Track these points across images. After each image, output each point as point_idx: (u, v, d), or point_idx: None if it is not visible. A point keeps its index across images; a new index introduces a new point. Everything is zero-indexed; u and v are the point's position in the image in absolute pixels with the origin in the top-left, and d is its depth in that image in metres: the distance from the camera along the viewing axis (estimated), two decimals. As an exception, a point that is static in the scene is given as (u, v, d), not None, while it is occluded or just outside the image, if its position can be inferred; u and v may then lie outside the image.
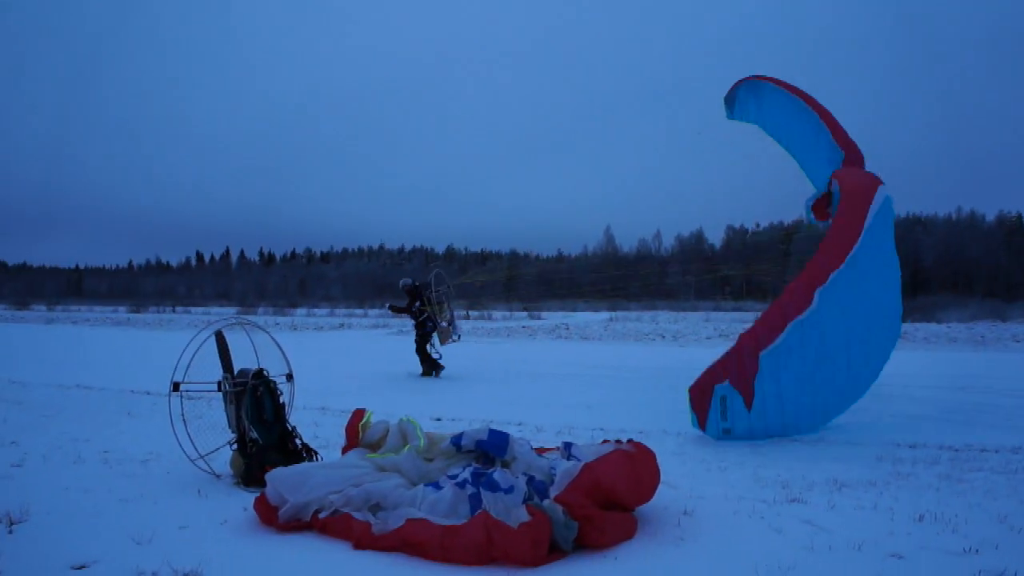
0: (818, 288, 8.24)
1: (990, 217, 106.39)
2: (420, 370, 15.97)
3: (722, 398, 8.06)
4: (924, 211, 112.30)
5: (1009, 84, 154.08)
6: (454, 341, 16.36)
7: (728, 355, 8.38)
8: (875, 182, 9.34)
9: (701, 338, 28.94)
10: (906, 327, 33.07)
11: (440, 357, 15.96)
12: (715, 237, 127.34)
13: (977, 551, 4.48)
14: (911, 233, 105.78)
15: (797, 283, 8.49)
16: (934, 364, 18.05)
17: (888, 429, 9.07)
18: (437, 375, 15.62)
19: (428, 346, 16.01)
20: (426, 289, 16.08)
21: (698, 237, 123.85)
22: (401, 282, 16.68)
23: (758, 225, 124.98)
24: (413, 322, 16.23)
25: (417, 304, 15.97)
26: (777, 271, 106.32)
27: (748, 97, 12.57)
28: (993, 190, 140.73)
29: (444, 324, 16.12)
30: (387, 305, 17.82)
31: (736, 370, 8.17)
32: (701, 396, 8.24)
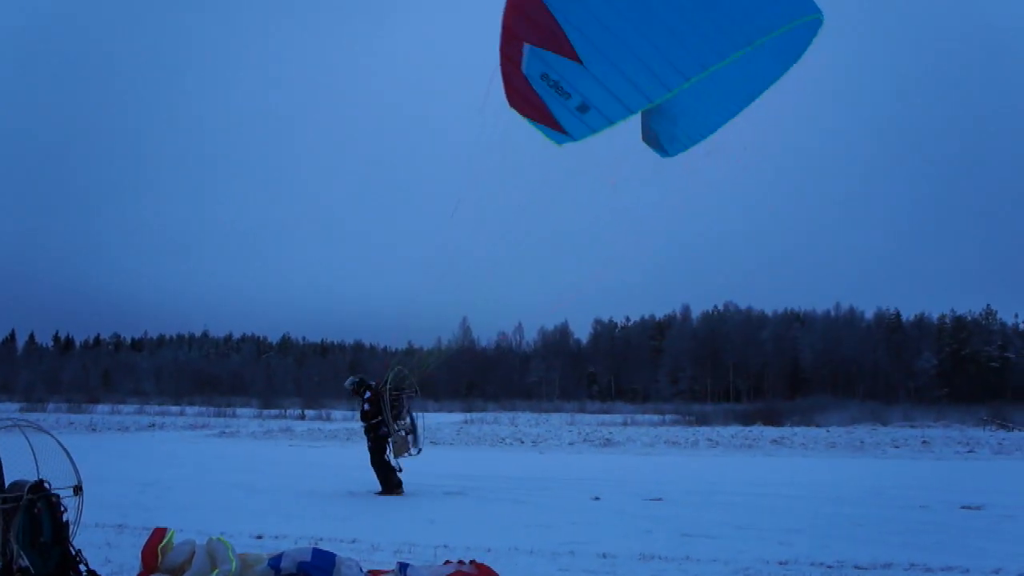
0: None
1: (868, 314, 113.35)
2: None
3: None
4: (802, 307, 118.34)
5: (887, 177, 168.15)
6: (411, 455, 14.94)
7: None
8: None
9: (563, 443, 29.37)
10: (784, 432, 34.80)
11: (400, 470, 14.66)
12: (581, 332, 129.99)
13: None
14: (789, 330, 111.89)
15: None
16: (810, 472, 19.03)
17: (757, 544, 9.40)
18: (399, 492, 14.31)
19: (385, 456, 14.67)
20: (383, 389, 14.75)
21: (563, 331, 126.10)
22: (346, 383, 15.68)
23: (628, 319, 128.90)
24: (363, 426, 15.06)
25: (367, 404, 14.85)
26: (648, 369, 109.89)
27: None
28: (870, 286, 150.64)
29: (402, 433, 14.79)
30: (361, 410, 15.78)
31: None
32: None
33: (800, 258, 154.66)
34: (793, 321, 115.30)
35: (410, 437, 15.03)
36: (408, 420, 15.17)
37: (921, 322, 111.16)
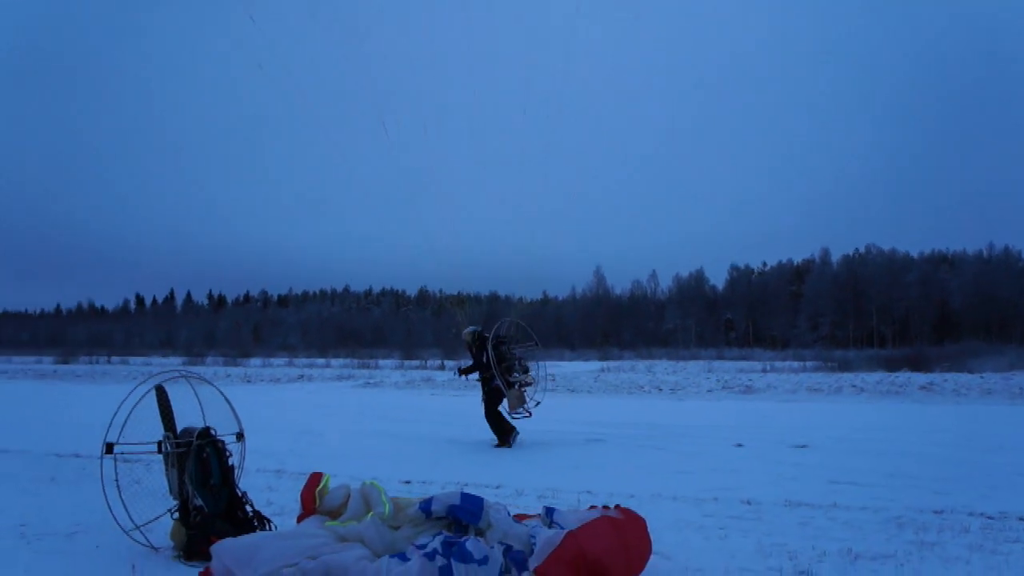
0: None
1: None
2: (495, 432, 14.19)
3: None
4: (951, 248, 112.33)
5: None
6: (525, 415, 14.42)
7: None
8: None
9: (702, 391, 28.94)
10: (933, 378, 33.24)
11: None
12: (717, 278, 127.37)
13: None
14: (937, 272, 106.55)
15: None
16: (964, 420, 18.12)
17: (910, 492, 9.07)
18: (509, 444, 13.79)
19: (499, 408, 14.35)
20: (501, 342, 14.61)
21: (698, 278, 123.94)
22: (464, 332, 15.41)
23: (765, 264, 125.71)
24: (479, 379, 14.81)
25: (485, 357, 14.39)
26: (787, 315, 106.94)
27: None
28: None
29: (516, 387, 14.37)
30: (456, 370, 16.27)
31: None
32: None
33: (948, 197, 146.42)
34: (941, 263, 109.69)
35: (527, 391, 14.63)
36: (525, 374, 14.75)
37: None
